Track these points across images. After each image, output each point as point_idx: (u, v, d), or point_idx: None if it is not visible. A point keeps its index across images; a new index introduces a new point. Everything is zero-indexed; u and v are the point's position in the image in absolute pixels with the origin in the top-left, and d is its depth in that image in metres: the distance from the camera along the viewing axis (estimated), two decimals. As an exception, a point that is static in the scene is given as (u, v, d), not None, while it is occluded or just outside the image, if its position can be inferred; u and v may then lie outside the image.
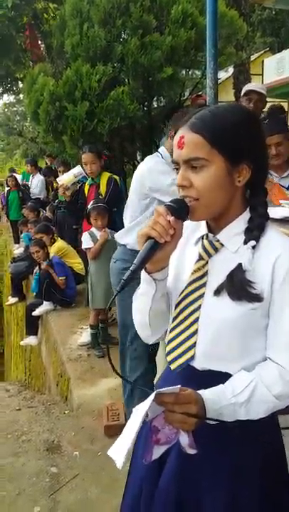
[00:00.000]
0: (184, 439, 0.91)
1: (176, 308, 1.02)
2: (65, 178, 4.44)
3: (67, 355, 3.70)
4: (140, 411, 0.86)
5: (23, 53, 7.71)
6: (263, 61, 11.93)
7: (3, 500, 2.16)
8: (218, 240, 0.99)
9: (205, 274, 1.00)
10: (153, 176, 2.20)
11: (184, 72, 4.94)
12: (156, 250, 0.92)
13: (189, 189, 0.93)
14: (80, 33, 4.55)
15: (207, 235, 1.01)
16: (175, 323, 1.02)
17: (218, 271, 0.98)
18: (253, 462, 1.00)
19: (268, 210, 1.00)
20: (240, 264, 0.94)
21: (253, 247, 0.94)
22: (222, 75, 11.90)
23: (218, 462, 0.99)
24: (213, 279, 0.98)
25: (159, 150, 2.34)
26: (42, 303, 4.82)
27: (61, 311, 4.76)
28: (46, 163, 10.17)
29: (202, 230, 1.04)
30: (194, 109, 0.96)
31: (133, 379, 2.40)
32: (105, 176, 3.79)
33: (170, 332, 1.03)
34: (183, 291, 1.02)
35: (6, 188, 9.43)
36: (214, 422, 0.92)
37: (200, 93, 4.59)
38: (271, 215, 1.76)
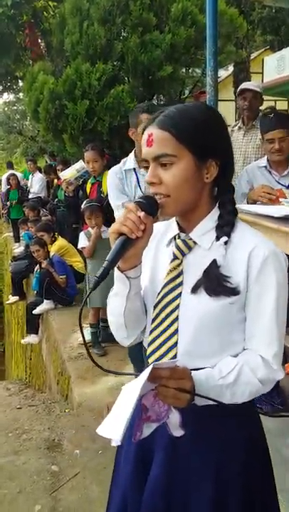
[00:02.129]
0: (175, 417, 0.91)
1: (154, 309, 1.02)
2: (67, 173, 4.44)
3: (68, 353, 3.71)
4: (136, 386, 0.85)
5: (23, 52, 7.70)
6: (263, 59, 11.88)
7: (4, 498, 2.16)
8: (190, 238, 1.00)
9: (180, 273, 1.01)
10: (108, 190, 2.43)
11: (184, 70, 4.94)
12: (128, 246, 0.93)
13: (159, 186, 0.95)
14: (79, 31, 4.55)
15: (179, 234, 1.03)
16: (154, 324, 1.02)
17: (194, 269, 0.99)
18: (237, 456, 1.01)
19: (236, 207, 1.02)
20: (214, 260, 0.95)
21: (226, 243, 0.96)
22: (222, 73, 11.88)
23: (203, 461, 1.00)
24: (189, 277, 0.99)
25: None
26: (42, 301, 4.82)
27: (61, 310, 4.76)
28: (46, 162, 10.17)
29: (173, 231, 1.04)
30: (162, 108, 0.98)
31: None
32: (108, 174, 3.77)
33: (150, 334, 1.03)
34: (160, 292, 1.02)
35: (7, 187, 9.39)
36: (204, 403, 0.93)
37: (203, 90, 4.57)
38: (271, 214, 1.76)
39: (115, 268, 0.96)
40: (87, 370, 3.38)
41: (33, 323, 5.08)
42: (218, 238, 0.97)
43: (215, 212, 1.00)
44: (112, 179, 2.38)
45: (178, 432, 0.92)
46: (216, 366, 0.96)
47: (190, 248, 1.00)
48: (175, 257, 1.01)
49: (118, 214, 2.34)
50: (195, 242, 1.00)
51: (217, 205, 1.01)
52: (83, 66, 4.45)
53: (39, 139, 15.05)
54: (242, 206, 1.98)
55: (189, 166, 0.93)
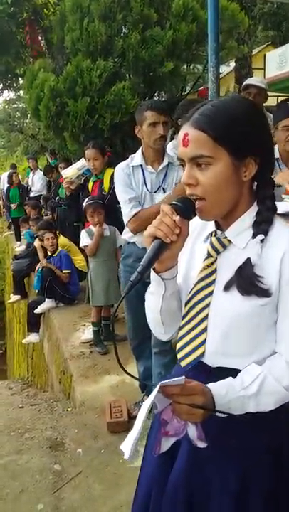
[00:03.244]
0: (192, 432, 0.91)
1: (185, 305, 1.02)
2: (69, 172, 4.44)
3: (70, 352, 3.70)
4: (146, 404, 0.87)
5: (23, 49, 7.65)
6: (264, 55, 11.86)
7: (7, 497, 2.16)
8: (225, 237, 0.98)
9: (214, 271, 0.99)
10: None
11: (185, 66, 4.91)
12: (163, 250, 0.92)
13: (196, 187, 0.92)
14: (80, 28, 4.52)
15: (215, 231, 1.01)
16: (185, 320, 1.02)
17: (227, 267, 0.96)
18: (261, 461, 0.99)
19: (275, 203, 0.98)
20: (248, 259, 0.93)
21: (262, 241, 0.93)
22: (224, 69, 11.79)
23: (225, 464, 0.99)
24: (222, 275, 0.97)
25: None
26: (44, 300, 4.82)
27: (63, 308, 4.76)
28: (47, 160, 10.16)
29: (211, 227, 1.03)
30: (196, 104, 0.95)
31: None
32: (109, 172, 3.76)
33: (180, 329, 1.03)
34: (192, 288, 1.01)
35: (6, 185, 9.36)
36: (223, 415, 0.91)
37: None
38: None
39: (151, 269, 0.96)
40: (89, 368, 3.38)
41: (34, 322, 5.08)
42: (254, 236, 0.94)
43: (253, 209, 0.97)
44: (119, 174, 2.37)
45: (201, 444, 0.92)
46: (238, 376, 0.94)
47: (225, 246, 0.98)
48: (209, 255, 1.00)
49: (126, 209, 2.31)
50: (230, 241, 0.98)
51: (256, 201, 0.98)
52: (84, 63, 4.42)
53: (40, 137, 15.02)
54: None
55: (227, 167, 0.90)
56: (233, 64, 10.06)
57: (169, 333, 1.09)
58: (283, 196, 2.06)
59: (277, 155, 2.42)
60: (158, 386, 0.86)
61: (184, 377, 0.88)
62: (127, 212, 2.31)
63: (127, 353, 3.21)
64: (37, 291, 5.04)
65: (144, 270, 0.90)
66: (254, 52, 12.47)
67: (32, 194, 8.76)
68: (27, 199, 8.49)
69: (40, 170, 8.93)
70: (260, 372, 0.93)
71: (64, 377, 3.63)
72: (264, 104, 3.58)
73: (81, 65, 4.43)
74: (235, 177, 0.92)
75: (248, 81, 3.49)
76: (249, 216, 0.97)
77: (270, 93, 3.71)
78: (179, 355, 1.02)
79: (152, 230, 0.91)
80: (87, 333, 3.88)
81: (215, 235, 1.00)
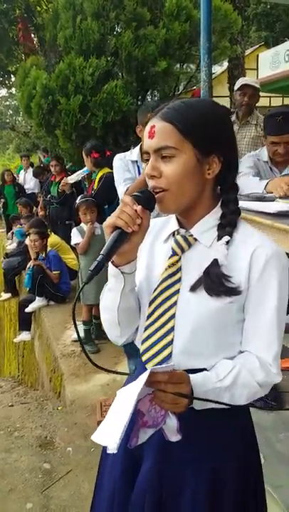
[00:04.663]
0: (172, 422, 0.89)
1: (150, 305, 1.00)
2: (74, 175, 4.52)
3: (61, 350, 3.69)
4: (133, 391, 0.82)
5: (16, 46, 7.63)
6: (257, 55, 11.90)
7: (-4, 496, 2.15)
8: (191, 235, 0.98)
9: (179, 269, 0.98)
10: (114, 172, 2.41)
11: (178, 65, 4.92)
12: (124, 240, 0.91)
13: (159, 179, 0.92)
14: (73, 26, 4.51)
15: (178, 230, 1.00)
16: (150, 320, 0.99)
17: (193, 266, 0.96)
18: (232, 459, 1.00)
19: (239, 207, 1.00)
20: (215, 260, 0.93)
21: (227, 243, 0.94)
22: (217, 69, 11.86)
23: (199, 459, 0.99)
24: (188, 274, 0.97)
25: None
26: (35, 298, 4.80)
27: (54, 307, 4.74)
28: (39, 158, 10.11)
29: (172, 227, 1.02)
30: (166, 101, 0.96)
31: None
32: (102, 171, 3.78)
33: (145, 330, 1.00)
34: (157, 287, 0.99)
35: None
36: (201, 408, 0.92)
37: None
38: (266, 210, 1.75)
39: (109, 263, 0.94)
40: (80, 367, 3.37)
41: (25, 320, 5.05)
42: (219, 237, 0.95)
43: (217, 211, 0.98)
44: (117, 161, 2.42)
45: (175, 438, 0.90)
46: (212, 369, 0.94)
47: (190, 245, 0.98)
48: (174, 253, 0.99)
49: (121, 188, 2.31)
50: (195, 239, 0.97)
51: (220, 203, 0.98)
52: (76, 61, 4.41)
53: (32, 134, 14.96)
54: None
55: (190, 160, 0.90)
56: (226, 64, 10.10)
57: (125, 335, 1.07)
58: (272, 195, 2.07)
59: (266, 158, 2.45)
60: (147, 372, 0.82)
61: (173, 363, 0.87)
62: (121, 191, 2.30)
63: (118, 352, 3.21)
64: (28, 289, 5.01)
65: (104, 259, 0.89)
66: (247, 52, 12.51)
67: (27, 192, 8.69)
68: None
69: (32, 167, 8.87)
70: (235, 365, 0.93)
71: (54, 375, 3.62)
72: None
73: (74, 63, 4.42)
74: (198, 172, 0.92)
75: (245, 81, 3.47)
76: (213, 217, 0.97)
77: (262, 94, 3.73)
78: (144, 358, 0.99)
79: (113, 220, 0.91)
80: (79, 331, 3.88)
81: (179, 233, 1.00)
